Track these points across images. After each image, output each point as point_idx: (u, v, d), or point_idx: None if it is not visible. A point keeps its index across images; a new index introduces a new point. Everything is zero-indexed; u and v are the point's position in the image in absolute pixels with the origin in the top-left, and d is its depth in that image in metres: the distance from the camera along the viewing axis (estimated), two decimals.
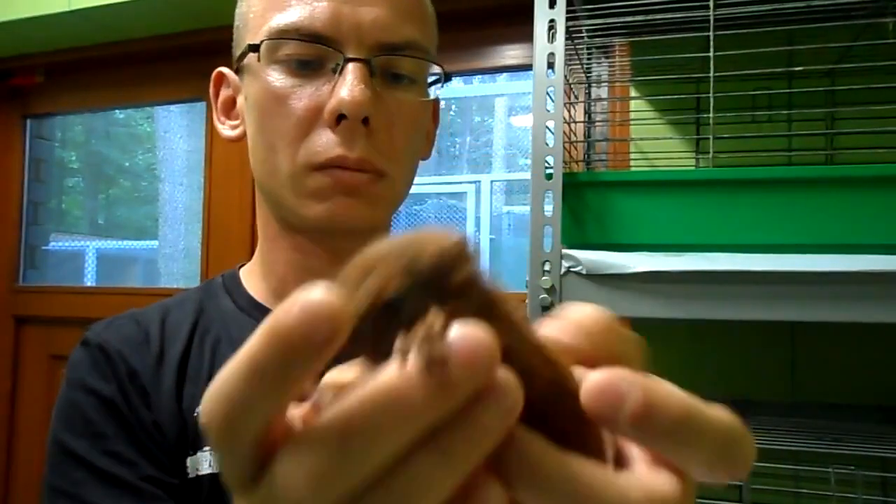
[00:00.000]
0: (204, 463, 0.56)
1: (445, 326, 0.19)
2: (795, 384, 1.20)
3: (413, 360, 0.19)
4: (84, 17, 1.67)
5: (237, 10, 0.64)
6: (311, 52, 0.56)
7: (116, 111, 2.95)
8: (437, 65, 0.61)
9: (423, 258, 0.21)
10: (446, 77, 0.62)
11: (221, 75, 0.66)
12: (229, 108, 0.66)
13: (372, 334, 0.21)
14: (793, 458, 1.03)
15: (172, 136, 2.94)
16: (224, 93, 0.66)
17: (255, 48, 0.57)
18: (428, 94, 0.63)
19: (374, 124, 0.56)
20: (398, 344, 0.19)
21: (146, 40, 1.79)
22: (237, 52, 0.63)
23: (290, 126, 0.56)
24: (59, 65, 1.91)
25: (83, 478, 0.54)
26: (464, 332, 0.19)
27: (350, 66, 0.55)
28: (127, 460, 0.54)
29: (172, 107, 2.71)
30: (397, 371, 0.19)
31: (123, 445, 0.55)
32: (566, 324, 0.25)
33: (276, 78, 0.57)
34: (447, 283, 0.21)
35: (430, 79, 0.64)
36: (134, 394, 0.57)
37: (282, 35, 0.56)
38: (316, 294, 0.18)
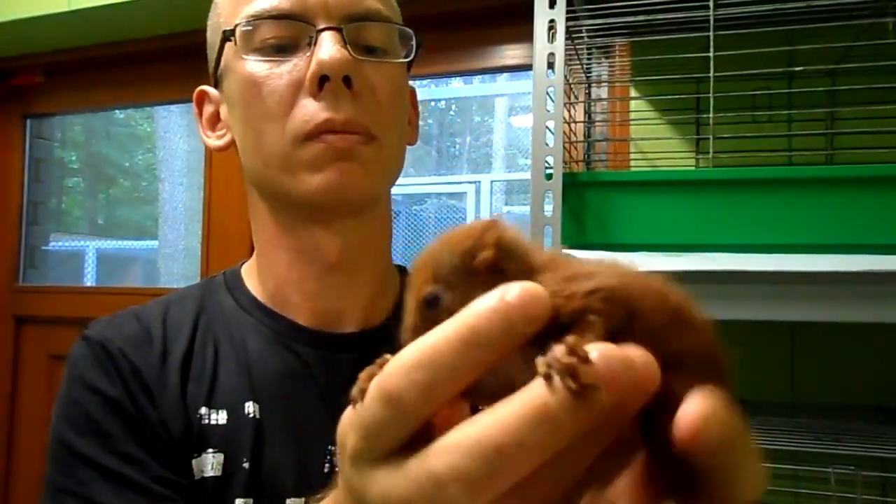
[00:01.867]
0: (207, 466, 0.55)
1: (584, 350, 0.21)
2: (795, 384, 1.20)
3: (560, 384, 0.21)
4: (84, 17, 1.67)
5: (208, 27, 0.65)
6: (285, 32, 0.58)
7: (116, 111, 2.95)
8: (406, 29, 0.63)
9: (451, 255, 0.25)
10: (418, 43, 0.63)
11: (203, 93, 0.67)
12: (214, 122, 0.66)
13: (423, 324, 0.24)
14: (793, 458, 1.03)
15: (172, 136, 2.94)
16: (207, 109, 0.67)
17: (230, 34, 0.59)
18: (403, 66, 0.64)
19: (357, 87, 0.57)
20: (540, 366, 0.21)
21: (146, 40, 1.78)
22: (213, 61, 0.64)
23: (274, 105, 0.57)
24: (59, 65, 1.91)
25: (91, 477, 0.53)
26: (607, 357, 0.21)
27: (323, 34, 0.56)
28: (136, 460, 0.53)
29: (172, 107, 2.70)
30: (549, 394, 0.21)
31: (131, 445, 0.54)
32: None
33: (254, 64, 0.58)
34: (472, 266, 0.25)
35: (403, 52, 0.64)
36: (139, 392, 0.56)
37: (254, 19, 0.58)
38: (527, 285, 0.22)
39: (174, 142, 2.92)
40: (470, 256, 0.25)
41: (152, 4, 1.60)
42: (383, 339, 0.63)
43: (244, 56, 0.58)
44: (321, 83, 0.56)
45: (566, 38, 0.94)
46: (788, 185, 0.88)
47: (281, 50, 0.58)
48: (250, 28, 0.58)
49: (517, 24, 1.49)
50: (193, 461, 0.55)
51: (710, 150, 0.93)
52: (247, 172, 0.63)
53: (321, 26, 0.57)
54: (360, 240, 0.62)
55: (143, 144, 3.74)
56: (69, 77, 1.94)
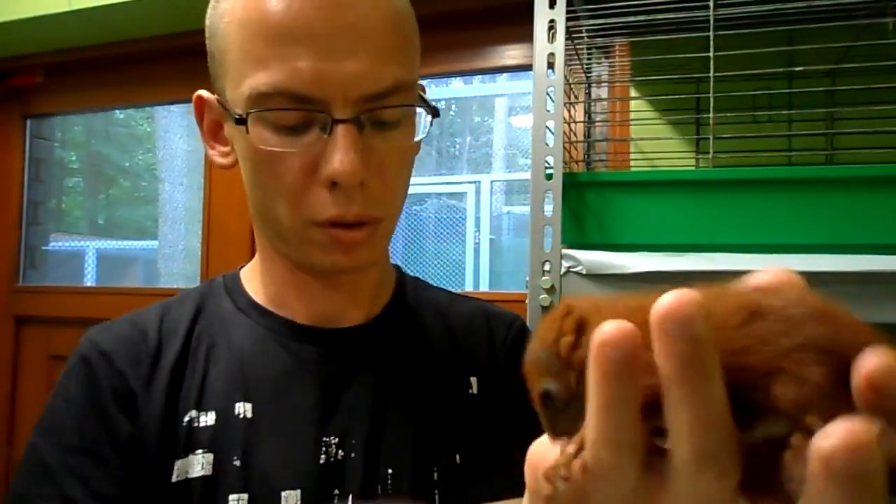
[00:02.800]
0: (196, 466, 0.56)
1: None
2: None
3: None
4: (84, 17, 1.67)
5: (208, 32, 0.61)
6: (298, 116, 0.54)
7: (116, 111, 2.95)
8: (425, 104, 0.60)
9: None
10: (434, 113, 0.60)
11: (202, 100, 0.63)
12: (216, 132, 0.64)
13: None
14: None
15: (172, 136, 2.94)
16: (208, 117, 0.64)
17: (241, 121, 0.55)
18: (416, 127, 0.61)
19: (368, 180, 0.56)
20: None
21: (146, 40, 1.79)
22: (214, 82, 0.60)
23: (285, 186, 0.55)
24: (59, 65, 1.91)
25: (43, 484, 0.54)
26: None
27: (339, 128, 0.53)
28: (83, 477, 0.54)
29: (172, 107, 2.71)
30: None
31: (84, 458, 0.55)
32: None
33: (266, 138, 0.55)
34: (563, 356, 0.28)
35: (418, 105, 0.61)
36: (112, 402, 0.57)
37: (265, 103, 0.54)
38: None
39: (174, 142, 2.93)
40: (556, 346, 0.27)
41: (152, 4, 1.60)
42: (377, 334, 0.64)
43: (253, 127, 0.55)
44: (334, 183, 0.55)
45: (566, 38, 0.94)
46: (788, 185, 0.88)
47: (293, 127, 0.55)
48: (260, 108, 0.54)
49: (517, 24, 1.49)
50: (178, 462, 0.56)
51: (710, 150, 0.93)
52: (252, 211, 0.63)
53: (337, 115, 0.53)
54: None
55: (143, 144, 3.74)
56: (69, 77, 1.94)
